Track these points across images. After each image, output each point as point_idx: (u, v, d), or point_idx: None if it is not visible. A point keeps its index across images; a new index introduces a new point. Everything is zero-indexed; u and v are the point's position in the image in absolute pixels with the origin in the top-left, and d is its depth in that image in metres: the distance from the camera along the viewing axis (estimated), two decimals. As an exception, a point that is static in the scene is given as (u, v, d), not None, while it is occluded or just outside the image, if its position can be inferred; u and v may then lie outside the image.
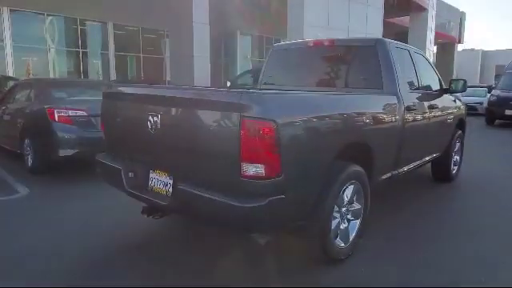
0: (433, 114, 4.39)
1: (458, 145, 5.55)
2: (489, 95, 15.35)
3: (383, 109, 3.39)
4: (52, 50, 16.64)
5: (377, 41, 3.72)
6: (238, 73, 21.10)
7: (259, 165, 2.18)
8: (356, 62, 3.91)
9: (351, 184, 2.93)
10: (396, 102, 3.57)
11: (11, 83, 8.78)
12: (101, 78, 17.84)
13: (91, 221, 3.75)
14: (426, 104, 4.25)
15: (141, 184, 2.87)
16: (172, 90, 2.64)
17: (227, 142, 2.23)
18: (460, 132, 5.54)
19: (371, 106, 3.24)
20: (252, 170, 2.19)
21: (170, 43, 17.58)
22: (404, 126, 3.65)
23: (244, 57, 23.30)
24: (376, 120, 3.24)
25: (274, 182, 2.22)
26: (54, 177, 5.41)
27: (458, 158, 5.66)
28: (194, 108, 2.41)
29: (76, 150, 5.10)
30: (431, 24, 24.50)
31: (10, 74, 14.37)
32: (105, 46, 18.61)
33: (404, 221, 3.90)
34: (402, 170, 3.92)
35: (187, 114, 2.46)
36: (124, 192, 2.91)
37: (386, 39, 3.78)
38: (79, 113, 5.20)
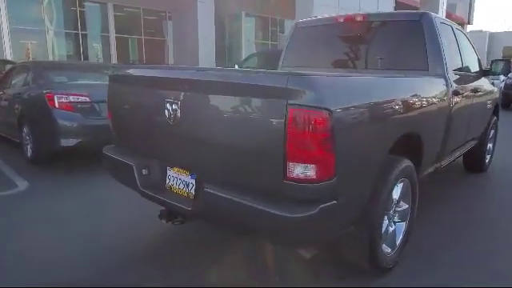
0: (476, 98, 3.95)
1: (492, 132, 5.12)
2: (502, 78, 14.77)
3: (433, 93, 2.94)
4: (50, 32, 16.03)
5: (422, 15, 3.24)
6: (243, 55, 20.49)
7: (309, 165, 1.75)
8: (396, 39, 3.43)
9: (401, 182, 2.52)
10: (444, 85, 3.12)
11: (9, 67, 8.30)
12: (100, 61, 17.27)
13: (97, 221, 3.35)
14: (470, 87, 3.79)
15: (157, 183, 2.46)
16: (195, 72, 2.17)
17: (268, 137, 1.80)
18: (495, 118, 5.09)
19: (422, 90, 2.79)
20: (299, 171, 1.76)
21: (173, 25, 16.94)
22: (451, 112, 3.21)
23: (248, 39, 22.58)
24: (427, 106, 2.80)
25: (325, 185, 1.79)
26: (56, 168, 5.00)
27: (491, 146, 5.23)
28: (224, 94, 1.97)
29: (79, 140, 4.66)
30: (442, 1, 23.69)
31: (8, 57, 13.82)
32: (105, 28, 17.96)
33: (448, 219, 3.50)
34: (444, 162, 3.51)
35: (215, 101, 2.02)
36: (137, 192, 2.49)
37: (432, 13, 3.29)
38: (81, 98, 4.75)
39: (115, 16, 18.02)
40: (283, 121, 1.73)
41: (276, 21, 22.78)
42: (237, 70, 2.00)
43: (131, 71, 2.63)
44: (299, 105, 1.70)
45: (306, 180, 1.77)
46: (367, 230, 2.26)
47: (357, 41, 3.65)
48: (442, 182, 4.46)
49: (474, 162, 4.95)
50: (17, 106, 5.37)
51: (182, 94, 2.15)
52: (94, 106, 4.76)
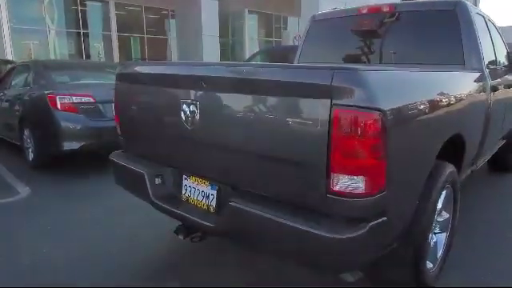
0: (509, 94, 3.66)
1: (519, 129, 4.83)
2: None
3: (475, 89, 2.67)
4: (52, 32, 15.82)
5: (457, 3, 2.95)
6: (247, 53, 20.21)
7: (357, 177, 1.48)
8: (427, 31, 3.14)
9: (444, 189, 2.25)
10: (483, 80, 2.84)
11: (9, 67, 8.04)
12: (102, 60, 17.02)
13: (105, 231, 3.09)
14: (504, 82, 3.51)
15: (172, 194, 2.19)
16: (218, 68, 1.89)
17: (308, 143, 1.53)
18: (523, 114, 4.79)
19: (466, 85, 2.53)
20: (345, 183, 1.49)
21: (176, 22, 16.66)
22: (489, 109, 2.94)
23: (251, 36, 22.27)
24: (469, 104, 2.52)
25: (375, 199, 1.52)
26: (59, 172, 4.74)
27: (517, 144, 4.93)
28: (253, 93, 1.69)
29: (82, 143, 4.40)
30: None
31: (9, 57, 13.60)
32: (107, 27, 17.73)
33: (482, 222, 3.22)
34: (479, 163, 3.23)
35: (243, 101, 1.74)
36: (149, 203, 2.22)
37: (467, 2, 3.01)
38: (85, 99, 4.48)
39: (117, 15, 17.78)
40: (326, 124, 1.45)
41: (280, 17, 22.46)
42: (270, 65, 1.71)
43: (141, 69, 2.36)
44: (347, 105, 1.42)
45: (353, 194, 1.49)
46: (411, 245, 1.99)
47: (383, 33, 3.36)
48: (470, 183, 4.19)
49: (501, 161, 4.66)
50: (17, 107, 5.12)
51: (202, 93, 1.88)
52: (99, 106, 4.50)
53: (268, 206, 1.68)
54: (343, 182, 1.49)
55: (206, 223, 1.90)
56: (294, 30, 21.15)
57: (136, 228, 3.12)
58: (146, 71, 2.29)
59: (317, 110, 1.49)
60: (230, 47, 21.75)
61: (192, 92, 1.93)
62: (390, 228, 1.66)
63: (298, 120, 1.56)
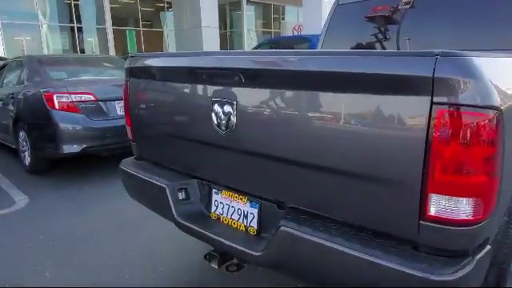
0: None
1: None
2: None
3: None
4: (44, 27, 15.28)
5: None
6: (246, 45, 19.78)
7: (463, 199, 1.12)
8: (478, 12, 2.77)
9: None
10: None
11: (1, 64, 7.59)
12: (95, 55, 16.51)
13: (113, 248, 2.73)
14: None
15: (199, 211, 1.83)
16: (260, 59, 1.50)
17: (395, 154, 1.17)
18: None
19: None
20: (446, 207, 1.13)
21: (174, 14, 16.18)
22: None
23: (250, 28, 21.78)
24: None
25: (483, 227, 1.16)
26: (59, 178, 4.36)
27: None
28: (312, 89, 1.32)
29: (84, 146, 4.01)
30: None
31: (1, 53, 13.09)
32: (101, 21, 17.18)
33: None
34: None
35: (296, 99, 1.37)
36: (173, 222, 1.86)
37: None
38: (85, 97, 4.10)
39: (111, 8, 17.23)
40: (424, 129, 1.09)
41: (279, 8, 21.94)
42: (338, 52, 1.33)
43: (159, 61, 1.95)
44: (454, 104, 1.06)
45: (457, 222, 1.14)
46: (496, 267, 1.64)
47: (424, 16, 2.98)
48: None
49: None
50: (11, 107, 4.71)
51: (240, 90, 1.51)
52: (100, 105, 4.12)
53: (329, 231, 1.32)
54: (443, 205, 1.13)
55: (248, 251, 1.53)
56: (293, 21, 20.71)
57: (151, 243, 2.76)
58: (166, 64, 1.89)
59: (411, 109, 1.12)
60: (228, 39, 21.28)
61: (227, 89, 1.56)
62: (491, 257, 1.31)
63: (381, 123, 1.19)
